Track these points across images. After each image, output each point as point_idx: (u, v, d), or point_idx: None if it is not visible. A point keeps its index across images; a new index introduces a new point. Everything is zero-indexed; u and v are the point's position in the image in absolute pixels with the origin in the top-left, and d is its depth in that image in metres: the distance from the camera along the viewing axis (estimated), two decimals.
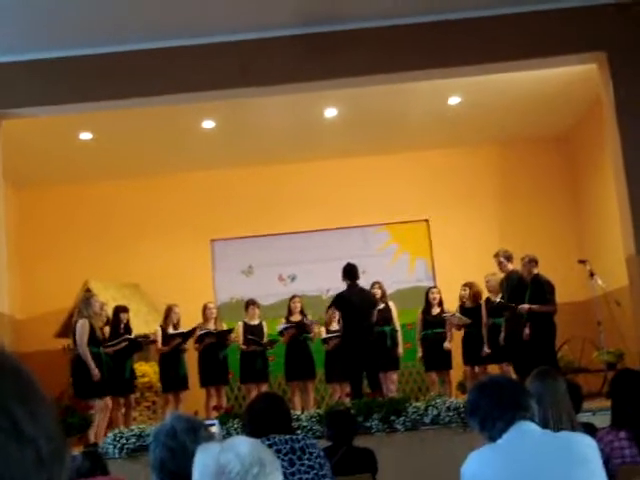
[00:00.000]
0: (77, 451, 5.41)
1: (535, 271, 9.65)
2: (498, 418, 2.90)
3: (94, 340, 9.30)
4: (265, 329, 10.85)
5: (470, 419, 3.05)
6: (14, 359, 0.79)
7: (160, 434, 2.77)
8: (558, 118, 12.52)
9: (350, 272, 9.74)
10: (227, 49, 9.15)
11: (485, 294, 10.60)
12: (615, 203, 9.50)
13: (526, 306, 9.45)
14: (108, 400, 9.33)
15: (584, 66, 9.85)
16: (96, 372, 9.04)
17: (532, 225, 13.01)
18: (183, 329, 10.33)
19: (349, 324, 9.63)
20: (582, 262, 10.44)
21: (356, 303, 9.53)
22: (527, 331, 9.40)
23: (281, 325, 10.72)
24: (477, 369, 10.45)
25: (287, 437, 3.80)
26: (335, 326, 10.69)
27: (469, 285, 10.73)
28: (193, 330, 10.35)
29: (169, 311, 10.47)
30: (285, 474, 3.65)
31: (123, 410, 9.88)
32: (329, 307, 10.09)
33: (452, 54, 9.17)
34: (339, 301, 9.75)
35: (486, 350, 10.24)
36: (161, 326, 10.39)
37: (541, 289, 9.48)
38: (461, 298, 10.74)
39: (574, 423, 3.75)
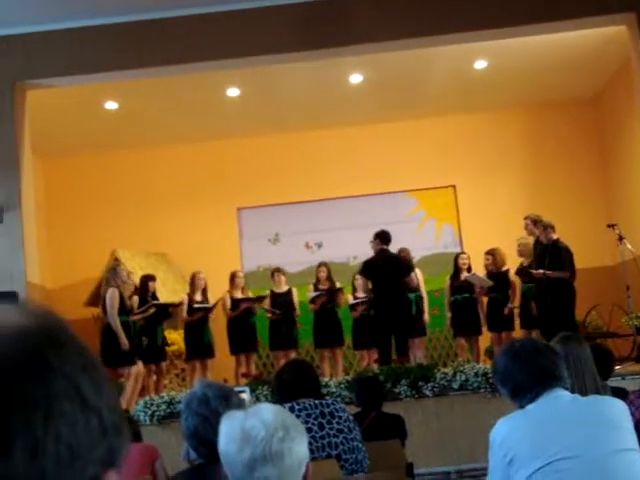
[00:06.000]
0: None
1: (554, 237, 9.57)
2: (530, 389, 2.86)
3: (123, 309, 9.38)
4: (295, 296, 10.86)
5: (501, 387, 3.00)
6: (74, 331, 0.81)
7: (192, 402, 2.78)
8: (587, 81, 12.34)
9: (381, 237, 9.72)
10: (250, 16, 9.10)
11: (513, 259, 10.53)
12: None
13: (540, 271, 9.41)
14: (141, 367, 9.42)
15: (613, 28, 9.69)
16: (125, 341, 9.12)
17: (560, 190, 12.89)
18: (207, 303, 10.32)
19: (378, 289, 9.63)
20: (611, 226, 10.35)
21: (383, 268, 9.51)
22: (543, 297, 9.39)
23: (311, 294, 10.73)
24: (503, 335, 10.40)
25: (317, 401, 3.84)
26: (361, 293, 10.70)
27: (491, 252, 10.66)
28: (215, 305, 10.38)
29: (194, 278, 10.51)
30: (315, 437, 3.69)
31: (154, 377, 9.98)
32: (358, 274, 10.09)
33: (478, 17, 9.05)
34: (366, 267, 9.73)
35: (510, 309, 10.28)
36: (188, 294, 10.45)
37: (559, 255, 9.42)
38: (485, 267, 10.70)
39: (599, 388, 3.72)
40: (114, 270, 9.65)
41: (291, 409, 3.75)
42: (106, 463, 0.78)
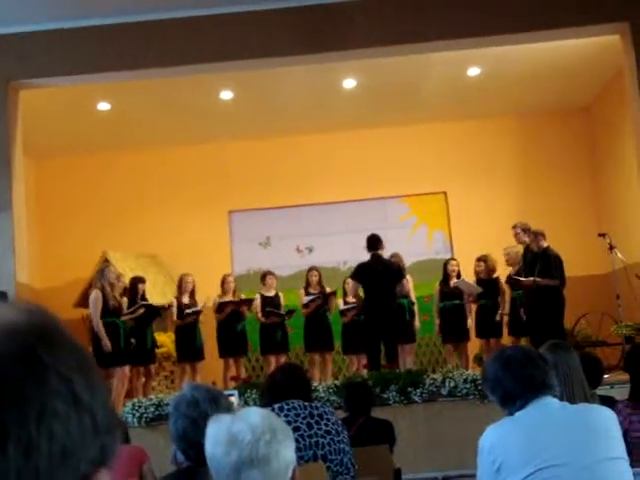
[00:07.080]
0: None
1: (544, 244, 9.58)
2: (520, 397, 2.85)
3: (109, 310, 9.35)
4: (282, 300, 10.85)
5: (490, 394, 2.98)
6: (69, 331, 0.81)
7: (180, 405, 2.77)
8: (579, 90, 12.38)
9: (372, 242, 9.70)
10: (244, 19, 9.10)
11: (502, 267, 10.54)
12: (636, 175, 9.41)
13: (530, 279, 9.42)
14: (126, 369, 9.39)
15: (607, 37, 9.72)
16: (107, 343, 9.09)
17: (551, 197, 12.92)
18: (197, 306, 10.29)
19: (370, 295, 9.61)
20: (602, 235, 10.37)
21: (377, 273, 9.49)
22: (532, 305, 9.42)
23: (306, 298, 10.70)
24: (492, 342, 10.41)
25: (306, 403, 3.85)
26: (352, 298, 10.69)
27: (483, 259, 10.67)
28: (203, 306, 10.35)
29: (181, 281, 10.48)
30: (303, 436, 3.69)
31: (143, 379, 9.95)
32: (350, 278, 10.09)
33: (472, 24, 9.07)
34: (359, 271, 9.71)
35: (500, 319, 10.29)
36: (176, 297, 10.42)
37: (549, 262, 9.43)
38: (476, 273, 10.70)
39: (588, 396, 3.71)
40: (102, 272, 9.63)
41: (280, 409, 3.75)
42: (98, 462, 0.79)
